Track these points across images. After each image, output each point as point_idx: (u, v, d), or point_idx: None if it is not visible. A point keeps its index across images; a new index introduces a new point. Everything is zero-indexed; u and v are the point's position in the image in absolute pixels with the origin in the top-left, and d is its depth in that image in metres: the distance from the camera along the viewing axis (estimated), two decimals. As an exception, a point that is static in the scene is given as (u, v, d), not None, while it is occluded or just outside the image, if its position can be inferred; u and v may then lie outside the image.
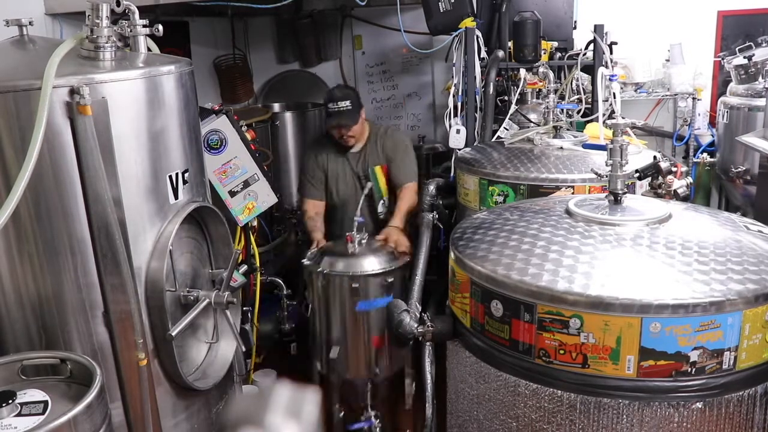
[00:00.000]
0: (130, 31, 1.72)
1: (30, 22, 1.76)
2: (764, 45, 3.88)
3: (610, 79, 2.80)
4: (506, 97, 3.22)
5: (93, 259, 1.59)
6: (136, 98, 1.64)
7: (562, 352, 1.38)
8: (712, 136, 4.30)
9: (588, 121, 2.91)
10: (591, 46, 3.24)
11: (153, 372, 1.72)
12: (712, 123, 4.31)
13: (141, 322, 1.66)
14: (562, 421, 1.42)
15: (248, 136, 2.65)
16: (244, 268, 2.42)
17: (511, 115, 2.98)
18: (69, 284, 1.60)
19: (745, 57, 3.66)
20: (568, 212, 1.68)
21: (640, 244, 1.48)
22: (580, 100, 3.16)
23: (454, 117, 3.16)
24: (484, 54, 3.18)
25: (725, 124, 3.86)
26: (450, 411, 1.80)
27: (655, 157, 2.07)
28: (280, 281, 3.30)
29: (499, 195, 2.33)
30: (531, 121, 2.97)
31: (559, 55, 3.31)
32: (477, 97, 3.10)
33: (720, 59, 4.09)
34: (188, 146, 1.82)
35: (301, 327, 3.21)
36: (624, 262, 1.43)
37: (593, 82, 3.04)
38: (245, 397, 0.51)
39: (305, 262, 2.74)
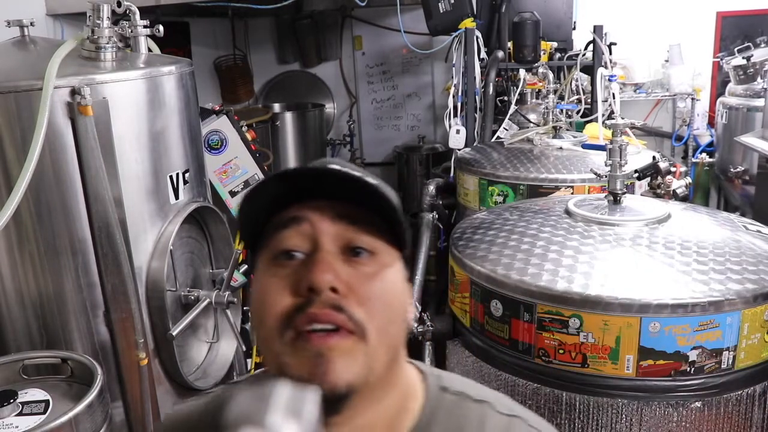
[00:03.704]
0: (131, 31, 1.73)
1: (31, 23, 1.76)
2: (763, 45, 3.89)
3: (609, 80, 2.81)
4: (506, 98, 3.22)
5: (94, 258, 1.60)
6: (137, 98, 1.64)
7: (561, 351, 1.38)
8: (711, 136, 4.30)
9: (587, 122, 2.92)
10: (590, 47, 3.24)
11: (154, 371, 1.72)
12: (711, 123, 4.32)
13: (142, 321, 1.66)
14: (562, 421, 1.42)
15: (248, 137, 2.66)
16: (245, 267, 2.42)
17: (510, 115, 2.99)
18: (70, 284, 1.60)
19: (743, 57, 3.67)
20: (568, 212, 1.68)
21: (639, 244, 1.48)
22: (579, 101, 3.16)
23: (453, 117, 3.16)
24: (483, 54, 3.19)
25: (724, 125, 3.86)
26: (450, 410, 1.80)
27: (654, 158, 2.07)
28: (280, 281, 3.30)
29: (498, 195, 2.34)
30: (530, 122, 2.97)
31: (558, 55, 3.32)
32: (477, 97, 3.10)
33: (719, 60, 4.10)
34: (189, 146, 1.83)
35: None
36: (623, 262, 1.44)
37: (592, 83, 3.05)
38: (245, 397, 0.51)
39: None
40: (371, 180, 0.63)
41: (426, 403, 0.69)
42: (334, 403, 0.59)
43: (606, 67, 3.02)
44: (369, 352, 0.60)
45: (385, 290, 0.63)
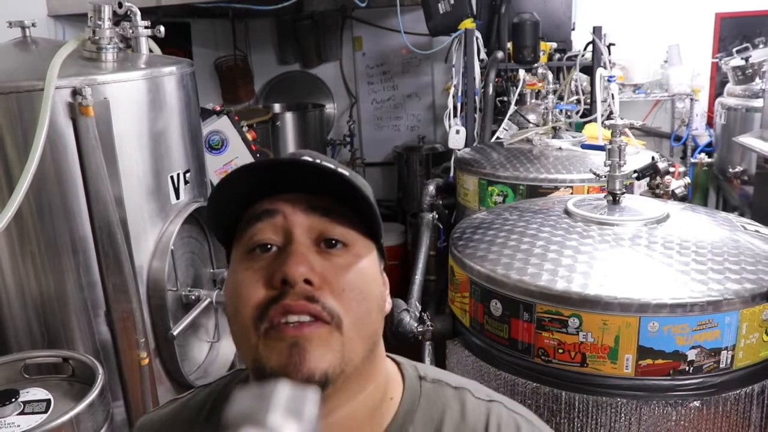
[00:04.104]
0: (132, 32, 1.73)
1: (33, 24, 1.77)
2: (761, 46, 3.90)
3: (608, 80, 2.82)
4: (505, 98, 3.23)
5: (95, 258, 1.60)
6: (138, 99, 1.65)
7: (560, 351, 1.39)
8: (710, 136, 4.31)
9: (586, 122, 2.93)
10: (589, 48, 3.25)
11: (155, 371, 1.73)
12: (710, 124, 4.33)
13: (143, 321, 1.67)
14: (561, 420, 1.42)
15: (249, 137, 2.67)
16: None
17: (510, 115, 2.99)
18: (71, 283, 1.61)
19: (742, 58, 3.68)
20: (567, 212, 1.69)
21: (638, 243, 1.49)
22: (578, 101, 3.17)
23: (453, 117, 3.17)
24: (483, 55, 3.20)
25: (723, 125, 3.88)
26: (449, 410, 1.80)
27: (653, 158, 2.08)
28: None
29: (498, 195, 2.34)
30: (530, 122, 2.98)
31: (557, 56, 3.32)
32: (476, 97, 3.11)
33: (717, 60, 4.11)
34: (189, 146, 1.83)
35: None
36: (622, 262, 1.44)
37: (592, 83, 3.05)
38: (245, 396, 0.51)
39: None
40: (343, 171, 0.62)
41: (406, 392, 0.70)
42: None
43: (605, 68, 3.02)
44: (345, 342, 0.60)
45: (360, 281, 0.62)
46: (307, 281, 0.59)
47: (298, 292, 0.59)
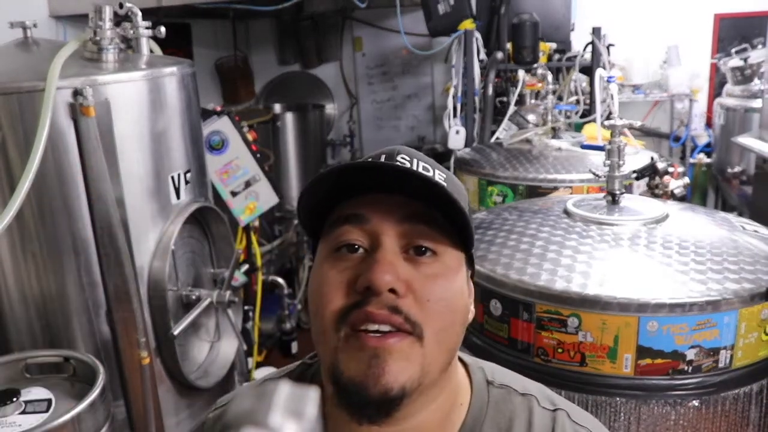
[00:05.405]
0: (133, 33, 1.74)
1: (34, 24, 1.77)
2: (760, 47, 3.91)
3: (607, 81, 2.82)
4: (505, 98, 3.23)
5: (96, 258, 1.61)
6: (139, 99, 1.65)
7: (560, 350, 1.39)
8: (709, 137, 4.32)
9: (586, 122, 2.93)
10: (589, 48, 3.26)
11: (155, 370, 1.73)
12: (709, 124, 4.34)
13: (143, 321, 1.67)
14: (561, 419, 1.43)
15: (249, 137, 2.67)
16: (246, 267, 2.43)
17: (509, 116, 3.00)
18: (72, 283, 1.61)
19: (741, 59, 3.69)
20: (567, 212, 1.69)
21: (637, 243, 1.49)
22: (578, 102, 3.18)
23: (453, 118, 3.18)
24: (483, 55, 3.20)
25: (722, 125, 3.89)
26: (449, 409, 1.81)
27: (652, 158, 2.08)
28: (281, 281, 3.32)
29: (497, 195, 2.35)
30: (529, 122, 2.98)
31: (557, 56, 3.33)
32: (476, 98, 3.11)
33: (716, 61, 4.12)
34: (190, 147, 1.84)
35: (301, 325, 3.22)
36: (621, 262, 1.45)
37: (591, 84, 3.06)
38: (246, 396, 0.50)
39: None
40: (440, 180, 0.61)
41: (474, 398, 0.69)
42: (385, 406, 0.58)
43: (604, 68, 3.03)
44: (425, 354, 0.59)
45: (446, 292, 0.61)
46: (392, 290, 0.58)
47: (382, 301, 0.58)
